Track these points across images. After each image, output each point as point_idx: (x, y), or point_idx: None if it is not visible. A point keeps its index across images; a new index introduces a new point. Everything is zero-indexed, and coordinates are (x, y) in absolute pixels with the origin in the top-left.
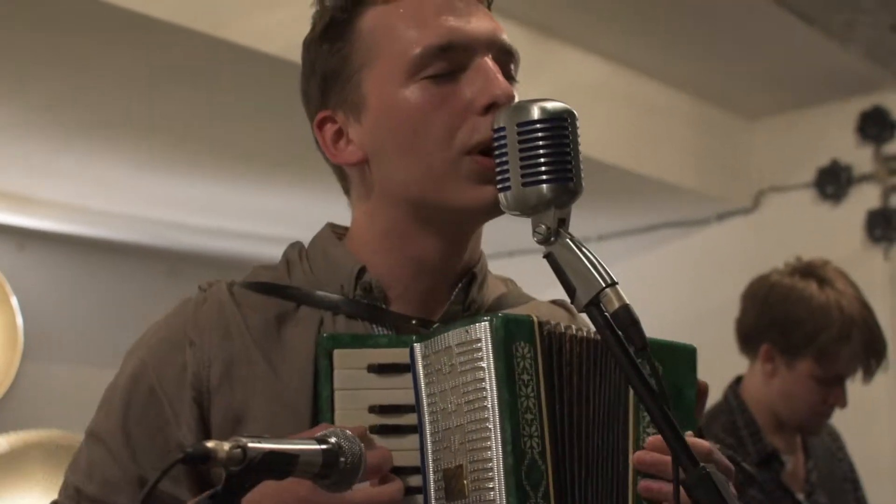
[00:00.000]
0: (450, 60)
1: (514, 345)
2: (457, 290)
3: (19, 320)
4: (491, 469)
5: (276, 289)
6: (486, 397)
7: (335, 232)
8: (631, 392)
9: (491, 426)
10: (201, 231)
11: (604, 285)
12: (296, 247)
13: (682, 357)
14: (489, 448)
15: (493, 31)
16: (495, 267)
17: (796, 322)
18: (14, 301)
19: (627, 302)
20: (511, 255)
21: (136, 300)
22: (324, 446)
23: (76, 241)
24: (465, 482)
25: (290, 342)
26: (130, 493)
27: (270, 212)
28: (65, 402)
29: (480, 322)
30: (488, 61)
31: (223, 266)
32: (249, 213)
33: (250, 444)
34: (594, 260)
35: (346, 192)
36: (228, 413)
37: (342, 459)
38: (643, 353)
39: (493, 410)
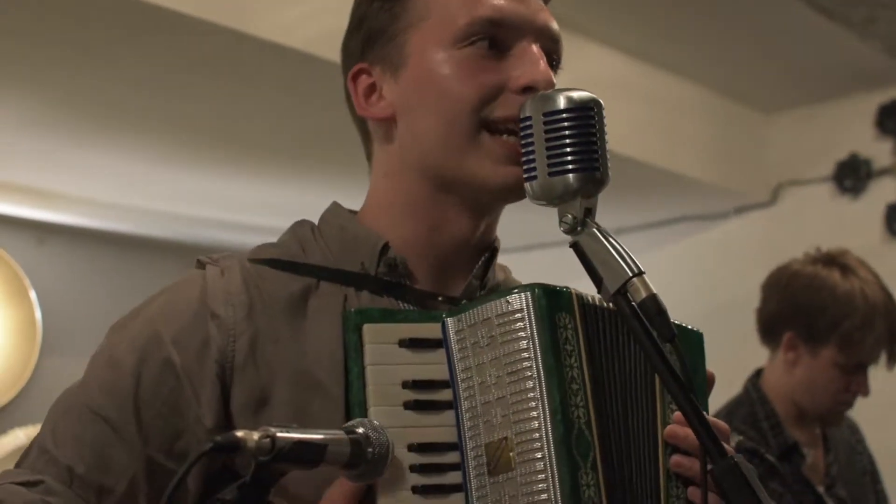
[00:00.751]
0: (497, 36)
1: (556, 315)
2: (478, 264)
3: (38, 314)
4: (539, 439)
5: (297, 265)
6: (530, 367)
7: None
8: None
9: (537, 396)
10: (221, 225)
11: (631, 275)
12: (305, 225)
13: (692, 340)
14: (536, 418)
15: (545, 19)
16: (512, 260)
17: (820, 309)
18: (33, 295)
19: (655, 291)
20: (529, 249)
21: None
22: (352, 437)
23: (95, 235)
24: (510, 454)
25: (314, 319)
26: (133, 475)
27: (290, 206)
28: None
29: (521, 293)
30: (535, 47)
31: None
32: (269, 208)
33: (279, 434)
34: (621, 249)
35: (368, 156)
36: (253, 392)
37: (370, 450)
38: (672, 344)
39: (540, 380)
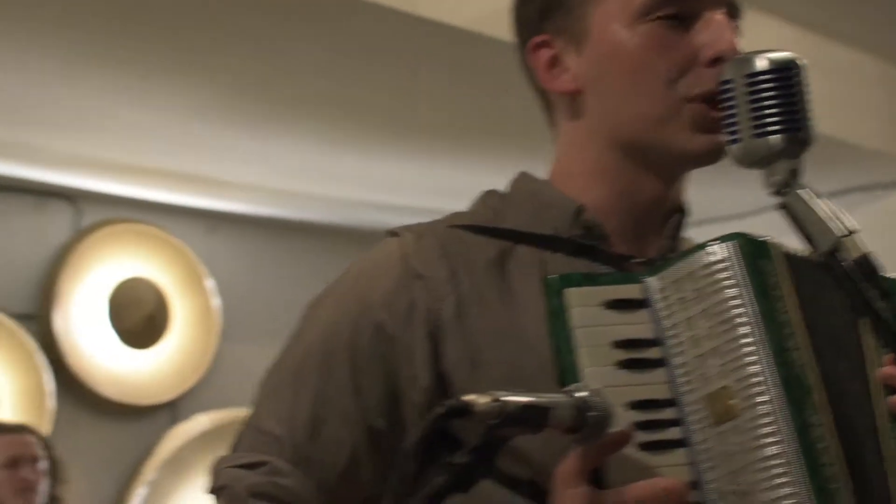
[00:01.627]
0: (681, 8)
1: (761, 262)
2: (670, 223)
3: (215, 302)
4: (762, 383)
5: (495, 229)
6: (743, 314)
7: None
8: None
9: (754, 341)
10: (392, 209)
11: (842, 234)
12: (494, 194)
13: None
14: (756, 363)
15: None
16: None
17: None
18: (210, 283)
19: (867, 251)
20: (699, 224)
21: (328, 279)
22: (573, 400)
23: (268, 222)
24: (731, 402)
25: (517, 281)
26: (353, 447)
27: (461, 189)
28: None
29: (723, 243)
30: (720, 16)
31: None
32: (440, 191)
33: (507, 398)
34: (831, 209)
35: (551, 123)
36: (465, 353)
37: (591, 413)
38: (888, 301)
39: (757, 325)
